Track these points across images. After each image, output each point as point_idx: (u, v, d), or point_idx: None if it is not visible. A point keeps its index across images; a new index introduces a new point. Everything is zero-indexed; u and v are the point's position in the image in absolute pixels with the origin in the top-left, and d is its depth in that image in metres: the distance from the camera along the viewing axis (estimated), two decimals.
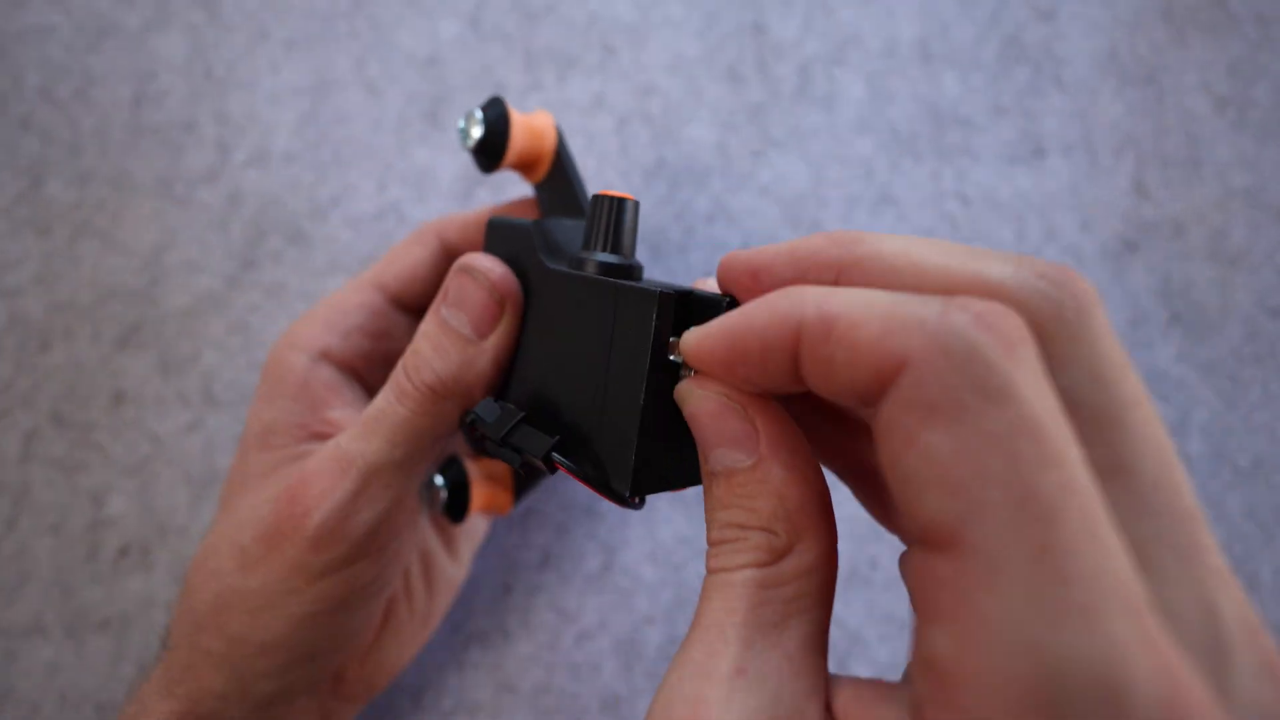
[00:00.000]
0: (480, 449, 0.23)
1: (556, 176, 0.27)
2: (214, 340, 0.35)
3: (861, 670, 0.33)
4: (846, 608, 0.33)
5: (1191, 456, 0.35)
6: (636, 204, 0.23)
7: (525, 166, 0.27)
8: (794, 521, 0.16)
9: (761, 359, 0.16)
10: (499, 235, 0.25)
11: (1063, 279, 0.15)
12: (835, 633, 0.33)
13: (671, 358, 0.19)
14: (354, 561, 0.23)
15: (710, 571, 0.17)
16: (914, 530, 0.14)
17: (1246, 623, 0.13)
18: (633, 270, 0.22)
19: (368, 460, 0.23)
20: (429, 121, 0.37)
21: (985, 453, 0.12)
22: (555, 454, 0.21)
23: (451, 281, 0.23)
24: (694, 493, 0.35)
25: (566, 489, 0.34)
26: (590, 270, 0.22)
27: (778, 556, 0.16)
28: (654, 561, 0.34)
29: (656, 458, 0.20)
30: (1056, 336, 0.14)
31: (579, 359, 0.21)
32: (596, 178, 0.37)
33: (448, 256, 0.29)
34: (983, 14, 0.38)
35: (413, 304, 0.29)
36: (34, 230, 0.36)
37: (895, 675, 0.32)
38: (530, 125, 0.27)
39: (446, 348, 0.23)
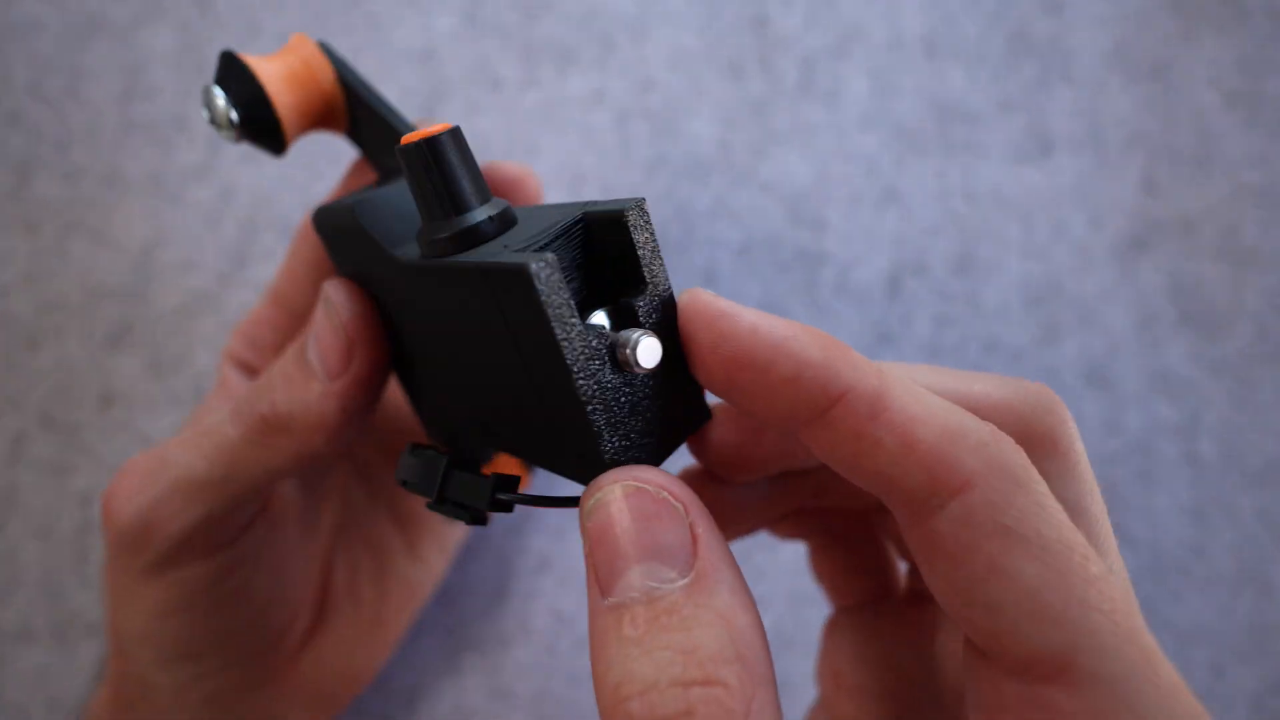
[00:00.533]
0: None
1: (359, 116, 0.22)
2: (206, 339, 0.35)
3: None
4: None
5: (1201, 457, 0.34)
6: (455, 131, 0.16)
7: (323, 121, 0.22)
8: (749, 662, 0.12)
9: (778, 388, 0.14)
10: (333, 232, 0.20)
11: (1052, 399, 0.16)
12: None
13: (597, 315, 0.15)
14: (178, 565, 0.22)
15: None
16: (998, 651, 0.13)
17: None
18: (495, 223, 0.16)
19: (179, 474, 0.21)
20: (425, 116, 0.36)
21: (1077, 583, 0.12)
22: (501, 494, 0.17)
23: (316, 310, 0.21)
24: None
25: (565, 489, 0.34)
26: (442, 251, 0.16)
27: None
28: None
29: (635, 427, 0.16)
30: (1057, 453, 0.15)
31: (487, 360, 0.17)
32: (595, 174, 0.36)
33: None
34: (989, 7, 0.38)
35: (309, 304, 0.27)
36: (23, 228, 0.35)
37: None
38: (287, 67, 0.21)
39: (294, 381, 0.20)
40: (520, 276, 0.14)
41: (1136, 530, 0.34)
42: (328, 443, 0.21)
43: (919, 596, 0.20)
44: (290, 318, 0.27)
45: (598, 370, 0.15)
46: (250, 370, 0.26)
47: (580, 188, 0.36)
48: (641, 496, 0.14)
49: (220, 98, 0.21)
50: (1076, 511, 0.15)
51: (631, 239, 0.15)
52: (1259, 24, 0.38)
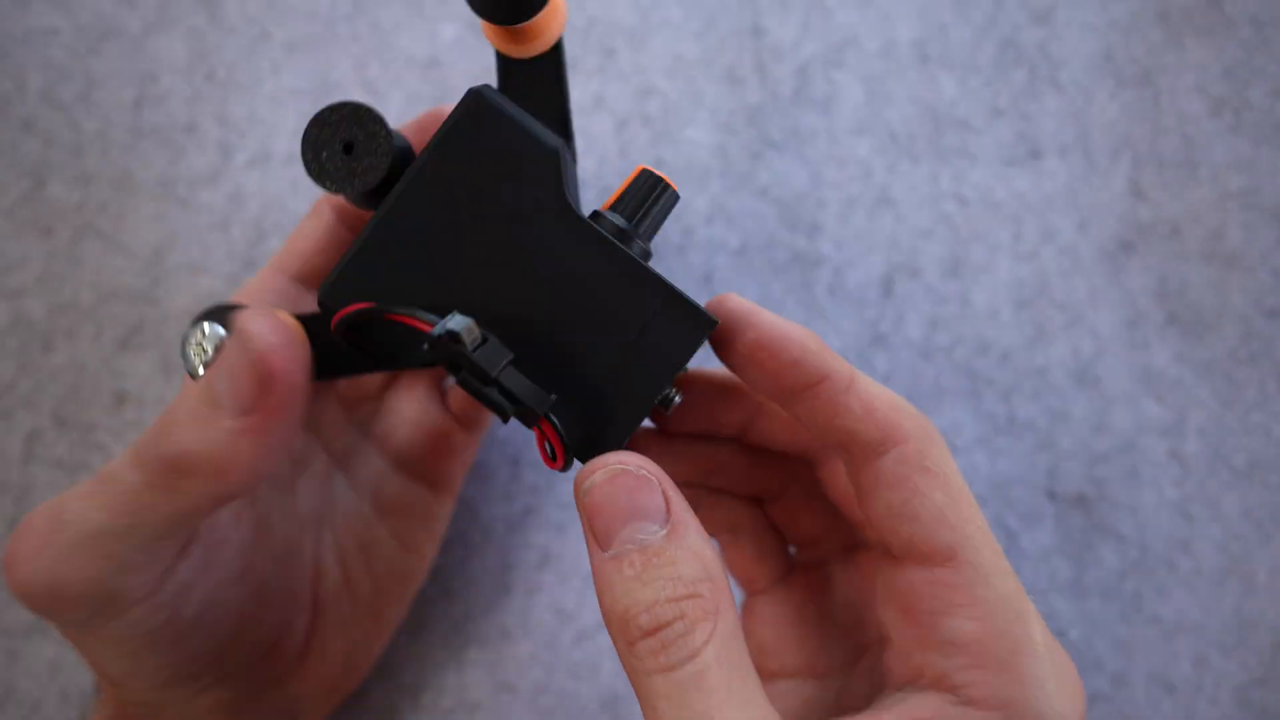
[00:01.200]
0: (419, 363, 0.20)
1: (551, 69, 0.22)
2: None
3: None
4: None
5: (1188, 457, 0.35)
6: (677, 196, 0.22)
7: (516, 35, 0.21)
8: (715, 580, 0.18)
9: (785, 366, 0.20)
10: (477, 127, 0.21)
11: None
12: None
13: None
14: (111, 615, 0.20)
15: (659, 671, 0.17)
16: (909, 551, 0.20)
17: None
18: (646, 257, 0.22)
19: (79, 527, 0.19)
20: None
21: (964, 505, 0.20)
22: (551, 415, 0.19)
23: (227, 342, 0.20)
24: None
25: (566, 490, 0.35)
26: (634, 251, 0.21)
27: (714, 618, 0.17)
28: None
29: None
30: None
31: (572, 323, 0.20)
32: (595, 179, 0.37)
33: (345, 225, 0.27)
34: (980, 16, 0.38)
35: (316, 280, 0.27)
36: (36, 231, 0.36)
37: None
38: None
39: (202, 417, 0.19)
40: (706, 323, 0.21)
41: (1124, 527, 0.35)
42: (241, 482, 0.19)
43: (809, 568, 0.26)
44: (295, 285, 0.26)
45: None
46: None
47: (581, 190, 0.37)
48: (625, 475, 0.18)
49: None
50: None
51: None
52: (1244, 32, 0.39)
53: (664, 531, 0.18)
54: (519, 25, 0.21)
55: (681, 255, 0.36)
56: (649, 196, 0.21)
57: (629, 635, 0.17)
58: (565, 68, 0.23)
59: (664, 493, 0.18)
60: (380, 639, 0.30)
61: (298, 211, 0.36)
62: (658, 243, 0.36)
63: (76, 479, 0.34)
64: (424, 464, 0.30)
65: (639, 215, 0.21)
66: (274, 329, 0.19)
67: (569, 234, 0.20)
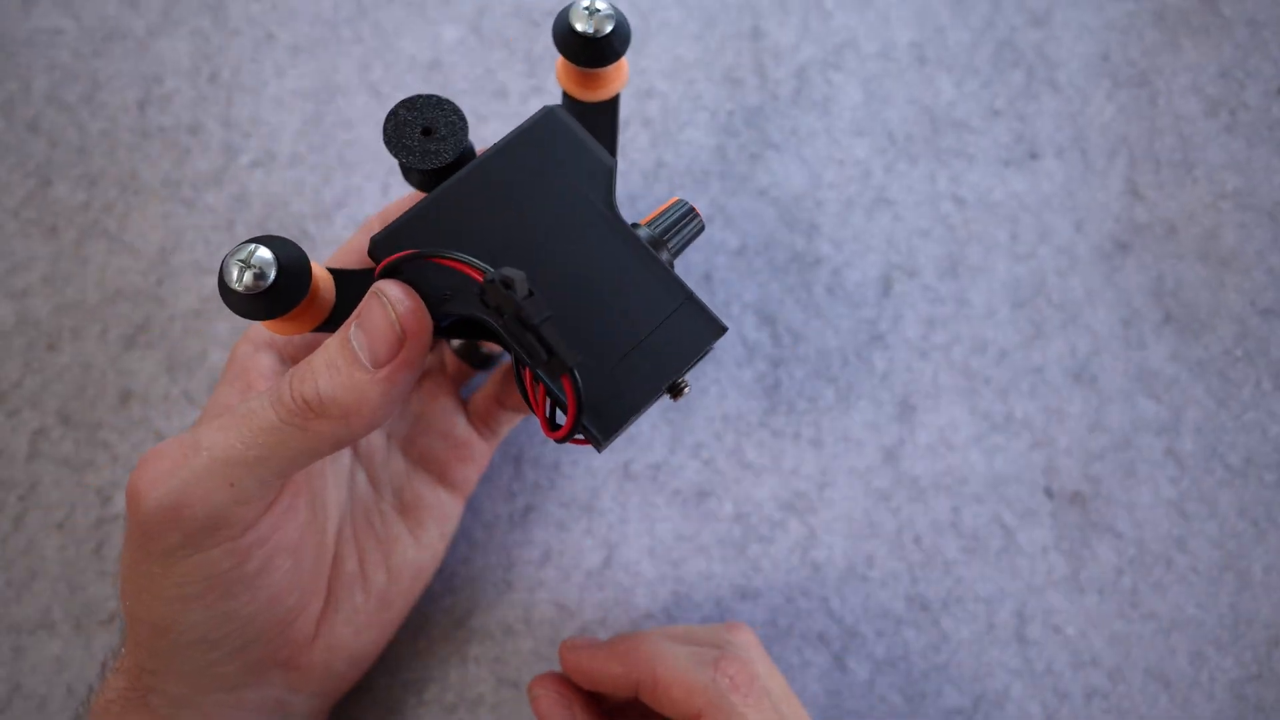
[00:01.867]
0: (473, 313, 0.22)
1: (611, 110, 0.26)
2: (220, 340, 0.36)
3: (860, 666, 0.33)
4: (844, 603, 0.34)
5: (1183, 455, 0.36)
6: (703, 226, 0.27)
7: (588, 80, 0.25)
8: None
9: (614, 685, 0.28)
10: (547, 138, 0.24)
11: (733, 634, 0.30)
12: (833, 629, 0.34)
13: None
14: (201, 548, 0.23)
15: None
16: None
17: None
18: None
19: (214, 453, 0.22)
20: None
21: None
22: (575, 372, 0.20)
23: (364, 302, 0.22)
24: (694, 493, 0.35)
25: (567, 487, 0.35)
26: (665, 261, 0.24)
27: None
28: (653, 558, 0.35)
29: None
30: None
31: (600, 306, 0.23)
32: None
33: None
34: (977, 18, 0.39)
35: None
36: (42, 231, 0.36)
37: (892, 670, 0.33)
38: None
39: (339, 367, 0.21)
40: (718, 329, 0.23)
41: (1120, 524, 0.35)
42: (363, 426, 0.22)
43: None
44: None
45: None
46: (277, 348, 0.27)
47: None
48: (551, 698, 0.29)
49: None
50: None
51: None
52: (1239, 34, 0.39)
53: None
54: (592, 71, 0.25)
55: (682, 256, 0.37)
56: (680, 221, 0.25)
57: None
58: (619, 118, 0.26)
59: (572, 709, 0.28)
60: (386, 633, 0.31)
61: (301, 212, 0.37)
62: None
63: (82, 477, 0.35)
64: (443, 468, 0.32)
65: (670, 234, 0.25)
66: (407, 294, 0.22)
67: (612, 234, 0.23)
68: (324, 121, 0.37)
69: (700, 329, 0.23)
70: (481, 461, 0.33)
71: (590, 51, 0.24)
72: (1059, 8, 0.39)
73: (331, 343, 0.22)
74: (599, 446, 0.22)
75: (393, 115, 0.24)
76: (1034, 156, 0.38)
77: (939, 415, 0.36)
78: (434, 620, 0.34)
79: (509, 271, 0.19)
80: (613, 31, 0.24)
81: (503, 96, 0.38)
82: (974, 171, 0.37)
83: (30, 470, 0.35)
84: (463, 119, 0.24)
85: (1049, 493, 0.35)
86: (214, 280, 0.36)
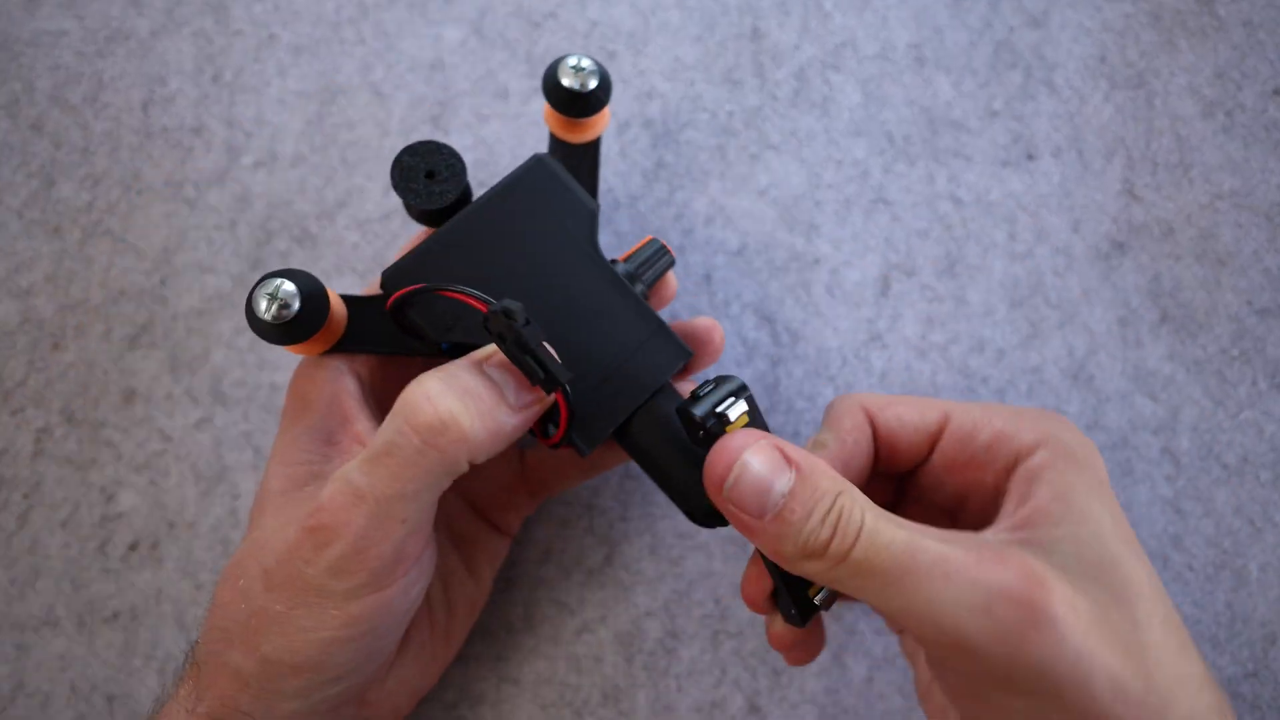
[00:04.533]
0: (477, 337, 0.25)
1: (592, 155, 0.30)
2: (223, 339, 0.36)
3: (857, 664, 0.33)
4: (843, 603, 0.34)
5: (1180, 453, 0.36)
6: (673, 260, 0.30)
7: (573, 125, 0.28)
8: (846, 487, 0.23)
9: (912, 430, 0.27)
10: (537, 183, 0.27)
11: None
12: (831, 627, 0.34)
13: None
14: (380, 588, 0.24)
15: (847, 560, 0.22)
16: (1011, 455, 0.25)
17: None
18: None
19: (377, 494, 0.23)
20: (434, 125, 0.38)
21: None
22: (566, 388, 0.23)
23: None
24: None
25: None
26: (639, 294, 0.27)
27: (857, 505, 0.22)
28: (653, 556, 0.35)
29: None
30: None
31: (583, 334, 0.26)
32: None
33: None
34: (975, 19, 0.39)
35: None
36: (46, 231, 0.37)
37: (890, 668, 0.33)
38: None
39: (483, 398, 0.23)
40: (683, 354, 0.27)
41: None
42: (489, 453, 0.24)
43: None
44: None
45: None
46: (354, 370, 0.27)
47: None
48: (757, 450, 0.23)
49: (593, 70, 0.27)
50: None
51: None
52: (1235, 35, 0.39)
53: (793, 475, 0.22)
54: (577, 120, 0.28)
55: (682, 256, 0.37)
56: (652, 257, 0.29)
57: (809, 549, 0.22)
58: (600, 156, 0.30)
59: (780, 452, 0.23)
60: (443, 667, 0.31)
61: (303, 211, 0.37)
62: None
63: (86, 475, 0.35)
64: (493, 511, 0.32)
65: (643, 268, 0.28)
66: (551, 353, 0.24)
67: (594, 271, 0.27)
68: (326, 122, 0.38)
69: (670, 354, 0.26)
70: (526, 510, 0.33)
71: (576, 104, 0.28)
72: (1056, 9, 0.39)
73: (463, 371, 0.23)
74: (583, 454, 0.26)
75: (398, 162, 0.26)
76: (1031, 157, 0.38)
77: None
78: None
79: (509, 303, 0.21)
80: (597, 86, 0.27)
81: (504, 97, 0.38)
82: (972, 172, 0.38)
83: (34, 468, 0.35)
84: (461, 162, 0.27)
85: None
86: (216, 279, 0.36)
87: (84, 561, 0.34)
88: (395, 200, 0.37)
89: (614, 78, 0.38)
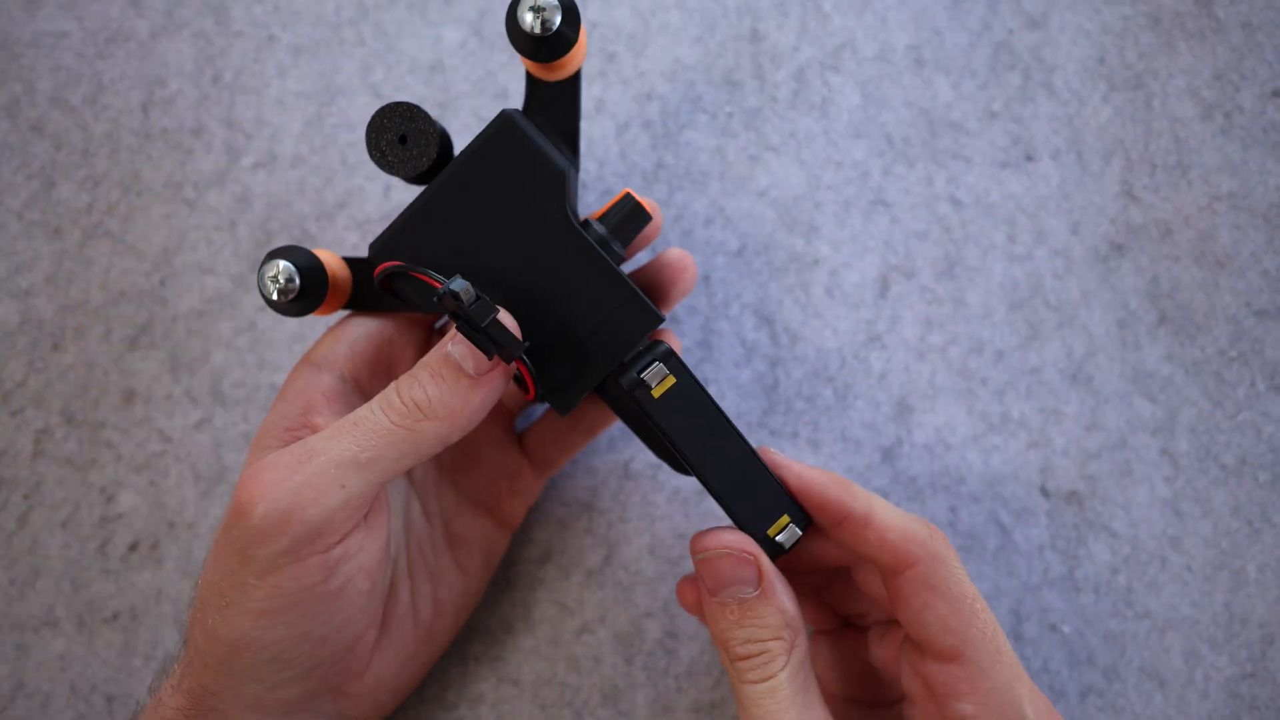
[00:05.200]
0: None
1: (570, 90, 0.28)
2: (223, 340, 0.36)
3: None
4: None
5: (1179, 454, 0.36)
6: (648, 218, 0.29)
7: (546, 64, 0.26)
8: (792, 625, 0.25)
9: (826, 511, 0.26)
10: (505, 143, 0.26)
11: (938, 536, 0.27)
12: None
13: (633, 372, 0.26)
14: (300, 558, 0.24)
15: (748, 683, 0.24)
16: (927, 648, 0.25)
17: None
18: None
19: (329, 456, 0.23)
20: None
21: (964, 613, 0.25)
22: (525, 357, 0.25)
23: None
24: (694, 492, 0.35)
25: (567, 486, 0.35)
26: (611, 255, 0.28)
27: (789, 653, 0.25)
28: (653, 556, 0.35)
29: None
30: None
31: (558, 301, 0.27)
32: (597, 181, 0.37)
33: None
34: (974, 21, 0.39)
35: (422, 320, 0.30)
36: (46, 232, 0.37)
37: None
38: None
39: (444, 376, 0.24)
40: (654, 318, 0.27)
41: (1116, 523, 0.35)
42: (466, 427, 0.25)
43: (856, 629, 0.31)
44: (398, 322, 0.29)
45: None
46: (343, 373, 0.28)
47: (583, 194, 0.37)
48: (729, 556, 0.25)
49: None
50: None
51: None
52: (1234, 37, 0.39)
53: (756, 592, 0.25)
54: (549, 62, 0.26)
55: None
56: (627, 216, 0.28)
57: (729, 656, 0.25)
58: (580, 90, 0.28)
59: (759, 566, 0.25)
60: (426, 667, 0.31)
61: (303, 212, 0.37)
62: (658, 246, 0.37)
63: (85, 476, 0.35)
64: (493, 500, 0.32)
65: (618, 229, 0.28)
66: (505, 318, 0.25)
67: (565, 237, 0.27)
68: (326, 123, 0.38)
69: (642, 320, 0.27)
70: (531, 495, 0.33)
71: (544, 48, 0.26)
72: (1055, 11, 0.39)
73: (433, 357, 0.25)
74: (562, 414, 0.27)
75: (370, 131, 0.26)
76: (1030, 159, 0.38)
77: (936, 415, 0.36)
78: None
79: (456, 284, 0.22)
80: (562, 23, 0.25)
81: (504, 98, 0.38)
82: (971, 173, 0.38)
83: (34, 469, 0.35)
84: (429, 120, 0.26)
85: (1045, 492, 0.36)
86: (216, 280, 0.36)
87: (84, 562, 0.34)
88: (394, 201, 0.37)
89: (614, 78, 0.38)
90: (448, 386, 0.24)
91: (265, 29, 0.38)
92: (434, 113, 0.38)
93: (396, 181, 0.37)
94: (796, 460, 0.28)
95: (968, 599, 0.25)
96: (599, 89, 0.38)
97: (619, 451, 0.36)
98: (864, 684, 0.30)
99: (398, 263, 0.26)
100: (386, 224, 0.37)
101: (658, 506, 0.35)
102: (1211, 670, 0.34)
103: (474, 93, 0.38)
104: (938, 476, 0.35)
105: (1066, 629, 0.34)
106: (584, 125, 0.38)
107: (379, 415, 0.24)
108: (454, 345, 0.24)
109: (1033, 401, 0.36)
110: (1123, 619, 0.35)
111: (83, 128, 0.37)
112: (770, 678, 0.24)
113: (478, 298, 0.23)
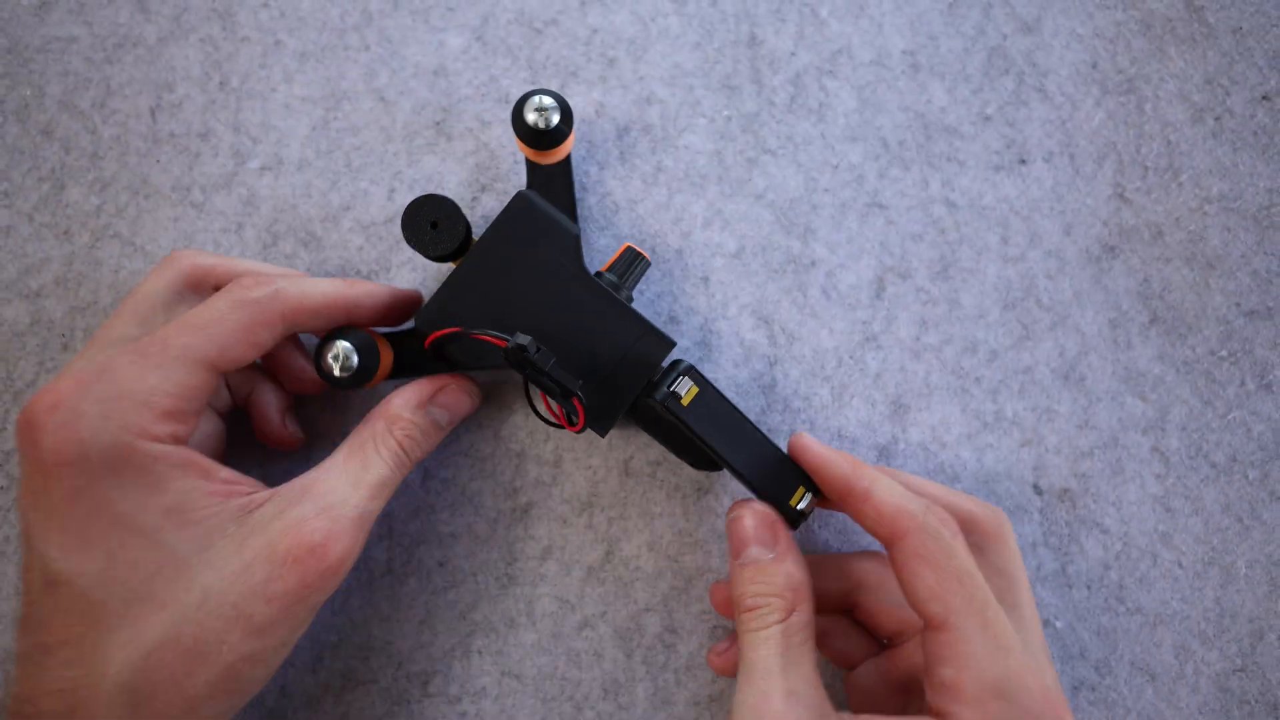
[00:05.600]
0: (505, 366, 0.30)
1: (564, 171, 0.33)
2: None
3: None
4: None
5: (1169, 452, 0.36)
6: (649, 264, 0.34)
7: (545, 150, 0.32)
8: (796, 591, 0.28)
9: (834, 485, 0.29)
10: (524, 217, 0.32)
11: (1002, 516, 0.31)
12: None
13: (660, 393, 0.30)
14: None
15: (749, 630, 0.28)
16: (924, 619, 0.26)
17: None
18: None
19: (371, 515, 0.29)
20: (437, 131, 0.38)
21: (951, 581, 0.26)
22: (579, 394, 0.29)
23: (444, 395, 0.32)
24: (693, 489, 0.36)
25: (568, 484, 0.36)
26: (624, 300, 0.32)
27: (788, 615, 0.27)
28: (653, 552, 0.35)
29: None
30: (992, 536, 0.30)
31: (585, 341, 0.31)
32: (597, 185, 0.38)
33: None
34: (969, 26, 0.40)
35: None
36: (56, 234, 0.37)
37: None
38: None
39: (433, 437, 0.32)
40: (667, 344, 0.32)
41: (1108, 520, 0.36)
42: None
43: (896, 647, 0.32)
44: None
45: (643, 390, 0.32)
46: (190, 285, 0.31)
47: (583, 195, 0.38)
48: (759, 514, 0.30)
49: (553, 108, 0.32)
50: (998, 572, 0.29)
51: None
52: (1224, 42, 0.40)
53: (772, 555, 0.29)
54: (545, 150, 0.32)
55: (680, 258, 0.37)
56: (631, 264, 0.33)
57: (739, 609, 0.28)
58: (572, 170, 0.34)
59: (778, 532, 0.29)
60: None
61: (308, 215, 0.37)
62: (658, 247, 0.38)
63: None
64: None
65: (624, 275, 0.33)
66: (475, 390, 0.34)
67: (584, 288, 0.32)
68: (331, 127, 0.38)
69: (659, 347, 0.31)
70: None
71: (543, 139, 0.32)
72: (1049, 16, 0.40)
73: (425, 423, 0.31)
74: (602, 435, 0.32)
75: (407, 216, 0.31)
76: (1024, 162, 0.39)
77: (931, 414, 0.36)
78: (437, 614, 0.35)
79: (520, 339, 0.27)
80: (560, 121, 0.32)
81: (506, 103, 0.38)
82: (965, 176, 0.38)
83: None
84: (457, 209, 0.31)
85: (1038, 489, 0.36)
86: None
87: None
88: (398, 204, 0.38)
89: (614, 83, 0.39)
90: (434, 441, 0.32)
91: (271, 35, 0.39)
92: (437, 117, 0.38)
93: (400, 185, 0.38)
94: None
95: (955, 569, 0.26)
96: (599, 93, 0.39)
97: (619, 450, 0.36)
98: (904, 697, 0.32)
99: (455, 329, 0.30)
100: (390, 226, 0.37)
101: (657, 504, 0.36)
102: (1202, 665, 0.35)
103: (476, 97, 0.38)
104: (932, 474, 0.36)
105: (1059, 624, 0.35)
106: (584, 130, 0.38)
107: (396, 475, 0.31)
108: (436, 408, 0.32)
109: (1026, 400, 0.37)
110: (1114, 614, 0.35)
111: (92, 131, 0.38)
112: (766, 627, 0.27)
113: (539, 348, 0.28)
